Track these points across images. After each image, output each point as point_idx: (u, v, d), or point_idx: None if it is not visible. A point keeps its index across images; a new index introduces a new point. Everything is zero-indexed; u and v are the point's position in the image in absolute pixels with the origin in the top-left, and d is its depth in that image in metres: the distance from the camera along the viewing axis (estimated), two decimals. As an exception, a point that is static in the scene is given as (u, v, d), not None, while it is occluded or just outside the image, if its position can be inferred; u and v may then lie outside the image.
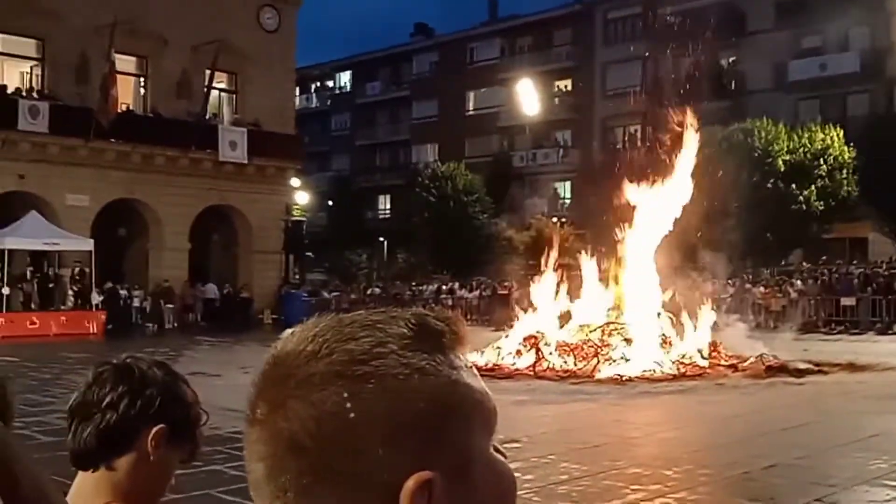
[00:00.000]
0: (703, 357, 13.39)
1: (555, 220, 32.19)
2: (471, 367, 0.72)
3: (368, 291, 31.55)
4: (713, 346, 13.76)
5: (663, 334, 13.61)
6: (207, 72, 27.06)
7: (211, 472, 5.60)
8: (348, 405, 0.66)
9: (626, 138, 38.56)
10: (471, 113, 47.99)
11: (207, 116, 27.90)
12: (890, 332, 21.40)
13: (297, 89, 38.24)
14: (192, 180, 27.17)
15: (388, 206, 46.35)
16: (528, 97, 40.18)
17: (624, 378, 12.20)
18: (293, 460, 0.66)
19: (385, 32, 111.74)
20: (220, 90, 29.21)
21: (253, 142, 28.41)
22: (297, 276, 31.45)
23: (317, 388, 0.67)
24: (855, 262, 27.60)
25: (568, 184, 42.29)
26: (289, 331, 0.72)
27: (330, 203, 44.81)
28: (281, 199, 30.40)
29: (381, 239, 42.60)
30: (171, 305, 25.78)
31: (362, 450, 0.66)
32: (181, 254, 27.20)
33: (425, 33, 52.43)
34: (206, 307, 27.33)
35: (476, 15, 74.13)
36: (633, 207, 14.87)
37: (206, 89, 27.30)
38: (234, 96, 29.81)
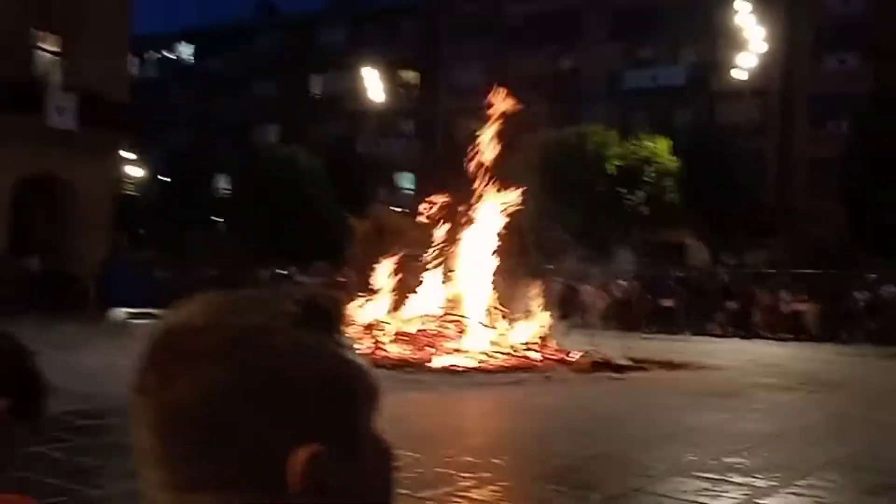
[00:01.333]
0: (533, 351, 13.87)
1: (397, 209, 32.36)
2: (353, 345, 0.74)
3: (203, 272, 30.69)
4: (543, 340, 14.28)
5: (496, 328, 14.02)
6: (33, 31, 25.40)
7: (33, 455, 5.35)
8: (238, 379, 0.67)
9: (469, 134, 39.23)
10: (315, 96, 47.46)
11: (33, 79, 26.26)
12: (703, 332, 22.85)
13: (136, 58, 36.57)
14: (14, 146, 25.50)
15: (228, 187, 45.14)
16: (373, 84, 40.15)
17: (458, 368, 12.49)
18: (181, 432, 0.67)
19: (228, 6, 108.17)
20: (48, 52, 27.50)
21: (83, 109, 26.91)
22: (127, 254, 30.21)
23: (207, 362, 0.68)
24: (673, 265, 29.23)
25: (411, 175, 42.60)
26: (178, 306, 0.73)
27: (166, 179, 43.22)
28: (112, 171, 29.03)
29: (219, 219, 41.48)
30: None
31: (251, 424, 0.67)
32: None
33: (269, 11, 51.34)
34: (27, 282, 25.78)
35: (322, -3, 73.13)
36: (470, 202, 15.23)
37: (31, 50, 25.66)
38: (64, 59, 28.12)
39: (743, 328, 23.06)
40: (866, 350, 19.09)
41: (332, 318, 0.73)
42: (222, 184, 46.01)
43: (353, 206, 33.35)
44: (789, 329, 22.53)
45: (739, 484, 5.85)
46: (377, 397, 0.74)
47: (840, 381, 13.31)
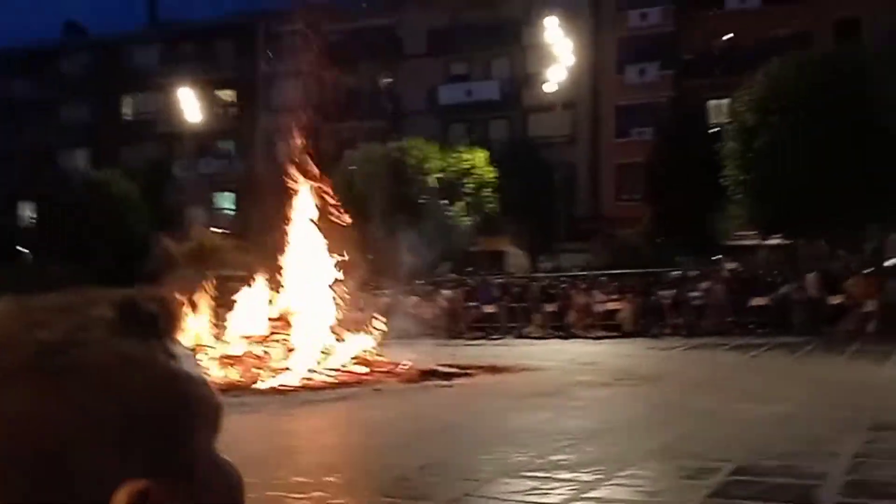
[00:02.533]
0: (361, 365, 13.83)
1: (217, 231, 31.54)
2: (190, 355, 0.64)
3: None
4: (371, 354, 14.26)
5: (324, 344, 13.89)
6: None
7: None
8: (43, 404, 0.56)
9: (289, 153, 38.76)
10: (128, 118, 45.56)
11: None
12: (524, 336, 23.55)
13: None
14: None
15: (35, 215, 42.41)
16: (190, 105, 39.01)
17: (286, 388, 12.27)
18: None
19: (33, 28, 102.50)
20: None
21: None
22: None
23: (3, 385, 0.56)
24: (494, 272, 30.00)
25: (231, 195, 41.63)
26: None
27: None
28: None
29: (24, 250, 38.96)
30: None
31: (61, 455, 0.56)
32: None
33: (77, 32, 48.91)
34: None
35: (133, 17, 70.41)
36: (291, 221, 15.09)
37: None
38: None
39: (561, 329, 23.91)
40: (674, 343, 20.22)
41: (159, 323, 0.61)
42: (27, 212, 43.27)
43: (170, 229, 32.28)
44: (604, 327, 23.56)
45: (566, 480, 6.03)
46: (219, 415, 0.63)
47: (655, 374, 14.02)
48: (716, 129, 29.23)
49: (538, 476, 6.18)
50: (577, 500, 5.47)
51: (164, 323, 0.62)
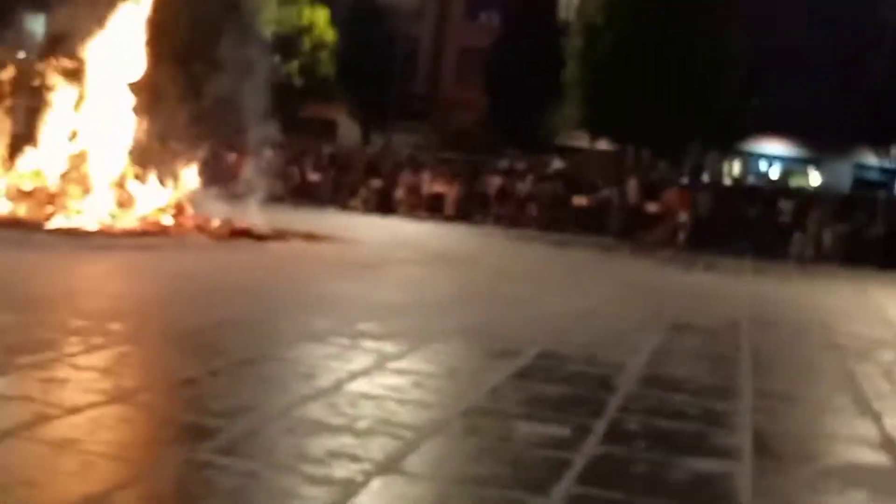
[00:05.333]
0: (168, 216, 13.04)
1: (22, 55, 28.80)
2: None
3: None
4: (179, 205, 13.46)
5: (127, 189, 12.93)
6: None
7: None
8: None
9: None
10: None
11: None
12: (347, 208, 23.20)
13: None
14: None
15: None
16: None
17: (80, 230, 11.36)
18: None
19: None
20: None
21: None
22: None
23: None
24: (323, 140, 29.24)
25: (41, 16, 38.05)
26: None
27: None
28: None
29: None
30: None
31: None
32: None
33: None
34: None
35: None
36: (105, 50, 13.78)
37: None
38: None
39: (385, 206, 23.70)
40: (495, 231, 20.47)
41: None
42: None
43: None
44: (429, 209, 23.54)
45: (370, 349, 5.80)
46: None
47: (470, 258, 14.07)
48: (564, 25, 29.22)
49: (341, 344, 5.90)
50: (378, 370, 5.23)
51: None
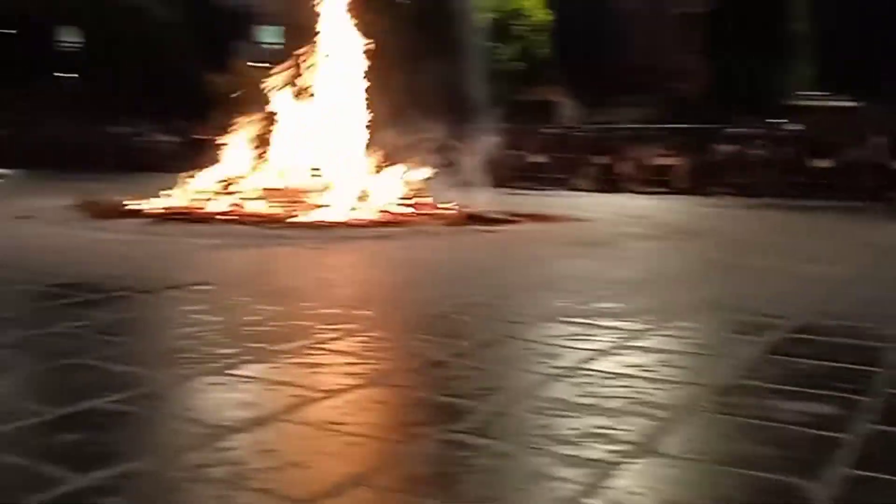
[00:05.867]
0: (404, 206, 13.49)
1: (262, 65, 30.86)
2: None
3: (49, 130, 28.67)
4: (414, 194, 13.89)
5: (365, 181, 13.53)
6: None
7: None
8: None
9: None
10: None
11: None
12: (571, 188, 23.03)
13: None
14: None
15: (78, 40, 41.69)
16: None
17: (325, 223, 11.99)
18: None
19: None
20: None
21: None
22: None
23: None
24: (543, 122, 29.15)
25: (274, 28, 40.53)
26: None
27: (9, 31, 39.64)
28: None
29: (66, 74, 38.62)
30: None
31: None
32: None
33: None
34: None
35: None
36: (328, 54, 14.49)
37: None
38: None
39: (610, 183, 23.29)
40: (728, 201, 19.57)
41: None
42: (70, 37, 42.61)
43: (212, 62, 31.65)
44: (656, 183, 22.90)
45: (610, 328, 5.67)
46: None
47: (705, 230, 13.52)
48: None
49: (581, 322, 5.81)
50: (623, 348, 5.09)
51: None
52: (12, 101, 32.07)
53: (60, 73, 38.38)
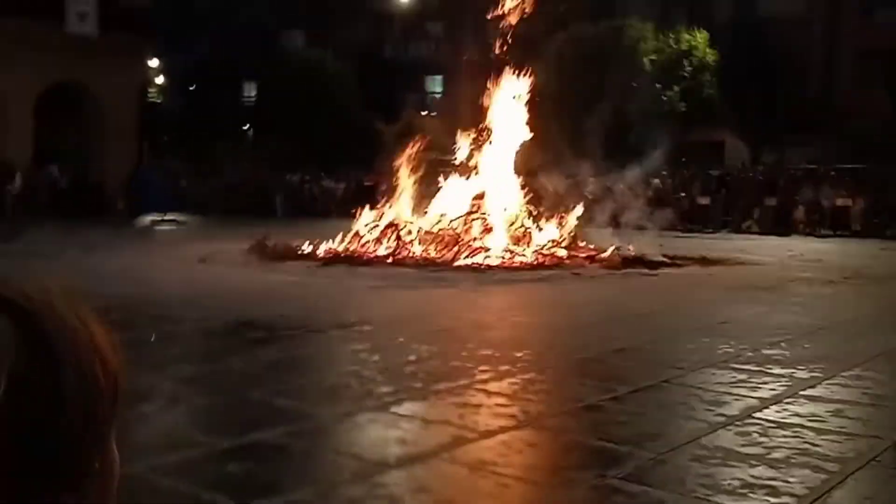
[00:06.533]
0: (561, 248, 13.42)
1: (425, 113, 31.68)
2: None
3: (230, 179, 30.42)
4: (573, 238, 13.80)
5: (523, 225, 13.56)
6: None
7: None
8: None
9: (497, 36, 38.06)
10: (340, -2, 46.05)
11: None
12: (740, 231, 22.23)
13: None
14: (35, 54, 24.98)
15: (254, 94, 44.24)
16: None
17: (482, 266, 12.09)
18: None
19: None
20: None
21: (104, 13, 26.35)
22: (153, 162, 29.93)
23: None
24: (710, 163, 28.36)
25: (440, 78, 41.57)
26: None
27: (191, 88, 42.54)
28: (136, 78, 28.54)
29: (246, 127, 40.95)
30: (9, 188, 24.05)
31: None
32: (24, 133, 25.29)
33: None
34: (52, 191, 25.64)
35: None
36: (492, 102, 14.70)
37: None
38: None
39: (782, 225, 22.34)
40: (912, 245, 18.37)
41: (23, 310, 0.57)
42: (248, 91, 45.17)
43: (381, 111, 32.73)
44: (832, 226, 21.79)
45: (779, 375, 5.41)
46: (114, 396, 0.60)
47: (885, 274, 12.73)
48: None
49: (747, 369, 5.58)
50: (792, 397, 4.85)
51: (28, 310, 0.58)
52: (199, 153, 34.33)
53: (241, 125, 40.72)
